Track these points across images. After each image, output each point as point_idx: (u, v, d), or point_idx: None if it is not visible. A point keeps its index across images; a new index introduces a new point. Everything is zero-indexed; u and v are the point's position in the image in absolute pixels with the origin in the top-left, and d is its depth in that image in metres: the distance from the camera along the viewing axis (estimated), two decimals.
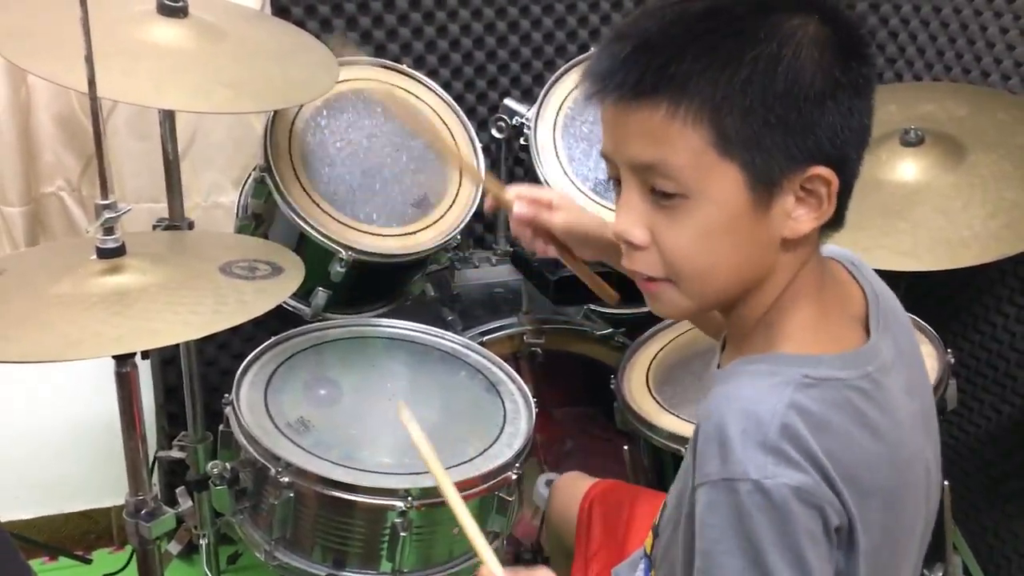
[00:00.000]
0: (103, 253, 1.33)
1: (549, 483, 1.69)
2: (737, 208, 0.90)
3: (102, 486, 2.30)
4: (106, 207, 1.31)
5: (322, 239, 1.77)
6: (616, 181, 0.97)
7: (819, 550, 0.89)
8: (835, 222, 0.96)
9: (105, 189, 1.32)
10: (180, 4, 1.61)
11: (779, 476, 0.86)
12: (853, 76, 0.91)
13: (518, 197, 1.31)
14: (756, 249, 0.94)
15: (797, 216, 0.92)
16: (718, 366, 1.06)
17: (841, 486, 0.89)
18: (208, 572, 2.10)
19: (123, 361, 1.35)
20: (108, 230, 1.33)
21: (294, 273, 1.44)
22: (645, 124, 0.90)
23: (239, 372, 1.65)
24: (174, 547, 2.03)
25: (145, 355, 1.38)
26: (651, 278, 0.96)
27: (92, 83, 1.27)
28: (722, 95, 0.87)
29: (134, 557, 1.69)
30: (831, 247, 1.03)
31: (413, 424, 1.23)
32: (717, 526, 0.89)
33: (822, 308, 0.98)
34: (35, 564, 2.31)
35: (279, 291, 1.37)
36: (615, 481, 1.64)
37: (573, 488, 1.63)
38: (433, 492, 1.40)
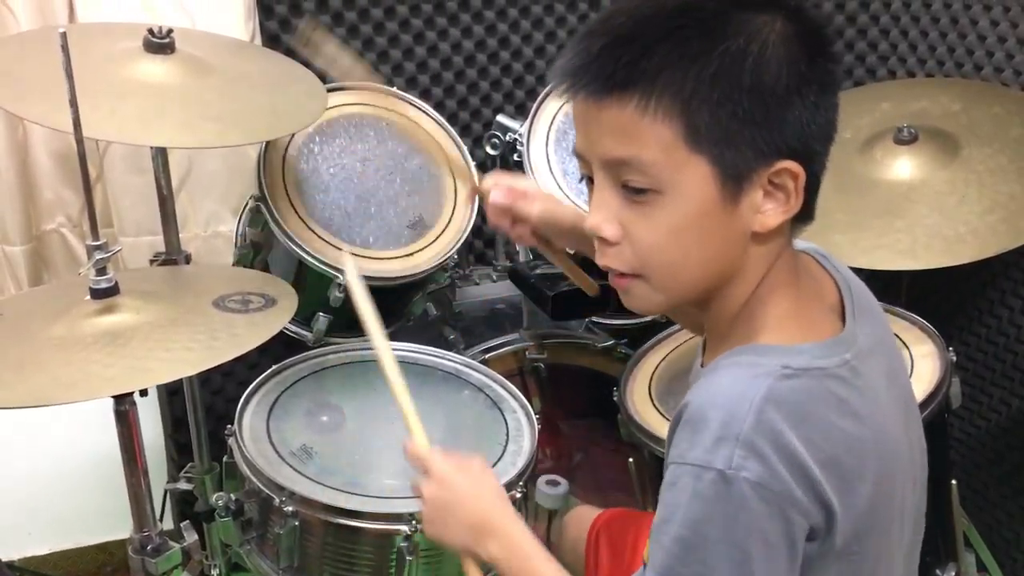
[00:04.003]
0: (96, 294, 1.34)
1: (549, 483, 1.68)
2: (707, 203, 0.92)
3: (117, 518, 2.27)
4: (97, 247, 1.32)
5: (319, 265, 1.77)
6: (589, 179, 0.99)
7: (771, 553, 0.89)
8: (804, 216, 0.98)
9: (95, 229, 1.33)
10: (167, 41, 1.62)
11: (742, 469, 0.87)
12: (819, 72, 0.93)
13: (495, 186, 1.32)
14: (726, 243, 0.95)
15: (765, 210, 0.94)
16: (701, 364, 1.06)
17: (820, 475, 0.90)
18: None
19: (121, 400, 1.35)
20: (100, 270, 1.34)
21: (287, 304, 1.45)
22: (616, 119, 0.91)
23: (241, 402, 1.66)
24: None
25: (143, 392, 1.38)
26: (623, 273, 0.98)
27: (78, 126, 1.28)
28: (691, 89, 0.89)
29: None
30: (799, 242, 1.04)
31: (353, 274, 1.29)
32: (670, 504, 0.92)
33: (799, 299, 1.00)
34: None
35: (272, 324, 1.38)
36: (621, 509, 1.64)
37: (581, 521, 1.63)
38: None
